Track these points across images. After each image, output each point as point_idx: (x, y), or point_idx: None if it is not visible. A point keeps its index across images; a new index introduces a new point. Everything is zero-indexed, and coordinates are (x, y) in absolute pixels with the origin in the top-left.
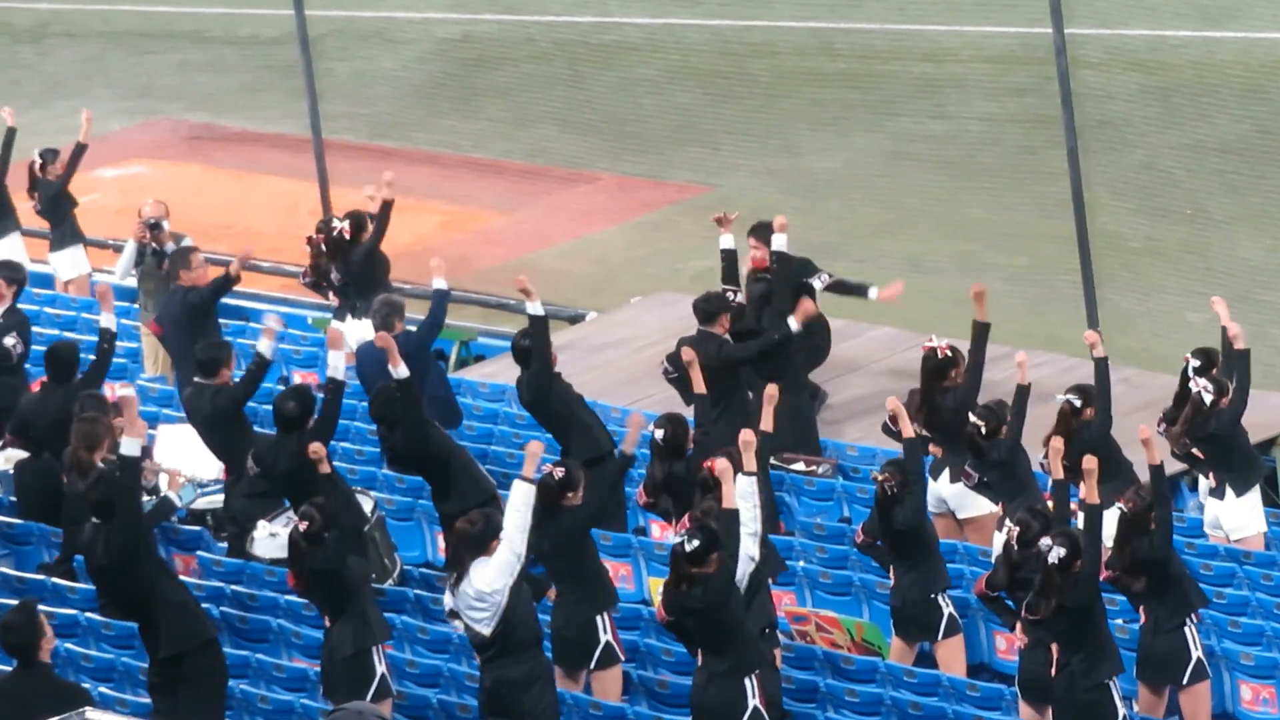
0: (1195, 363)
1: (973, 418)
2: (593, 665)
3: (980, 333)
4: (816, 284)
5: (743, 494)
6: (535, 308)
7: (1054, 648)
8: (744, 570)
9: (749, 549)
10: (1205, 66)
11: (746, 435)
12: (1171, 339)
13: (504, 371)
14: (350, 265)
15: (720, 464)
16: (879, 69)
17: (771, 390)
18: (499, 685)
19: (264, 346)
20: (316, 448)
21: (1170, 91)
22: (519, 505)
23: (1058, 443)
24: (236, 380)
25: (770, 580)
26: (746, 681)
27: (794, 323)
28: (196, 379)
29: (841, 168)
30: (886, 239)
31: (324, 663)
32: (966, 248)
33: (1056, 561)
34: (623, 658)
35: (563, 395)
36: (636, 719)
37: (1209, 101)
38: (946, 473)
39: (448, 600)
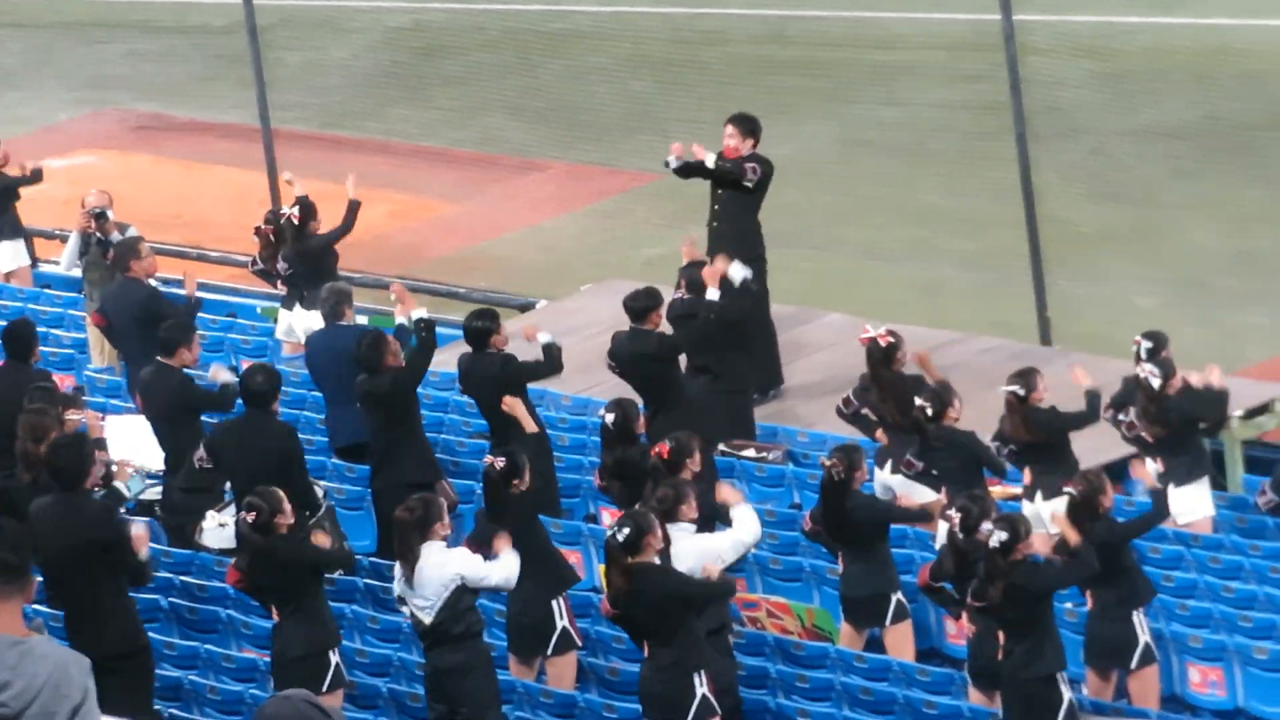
0: (1147, 345)
1: (919, 400)
2: (549, 651)
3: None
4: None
5: (746, 516)
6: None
7: (1001, 635)
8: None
9: (724, 551)
10: (1155, 52)
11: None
12: (1120, 324)
13: (455, 360)
14: (303, 255)
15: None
16: (831, 56)
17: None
18: (438, 673)
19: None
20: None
21: (1120, 77)
22: None
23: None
24: (208, 389)
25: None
26: (694, 673)
27: (712, 292)
28: (159, 358)
29: (794, 155)
30: (840, 226)
31: (275, 658)
32: (919, 234)
33: (998, 545)
34: (579, 644)
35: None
36: (587, 706)
37: (1158, 87)
38: (890, 462)
39: (396, 587)
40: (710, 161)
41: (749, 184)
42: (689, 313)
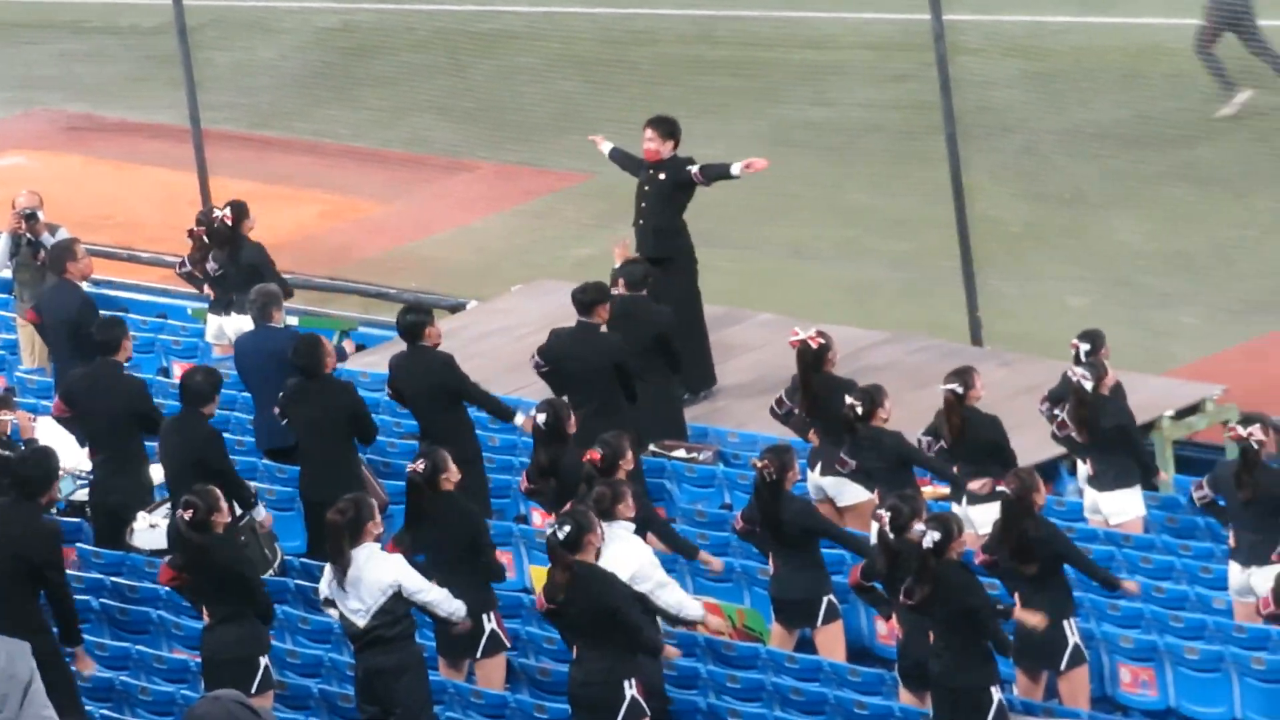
0: (1085, 346)
1: (849, 399)
2: (478, 654)
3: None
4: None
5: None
6: None
7: (931, 635)
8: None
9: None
10: (1084, 52)
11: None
12: (1051, 323)
13: (386, 361)
14: (236, 260)
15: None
16: (761, 56)
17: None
18: (370, 674)
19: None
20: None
21: (1049, 77)
22: None
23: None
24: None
25: None
26: (624, 679)
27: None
28: (101, 357)
29: (724, 155)
30: (768, 225)
31: (206, 660)
32: (848, 233)
33: (931, 546)
34: (508, 645)
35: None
36: (518, 706)
37: (1088, 87)
38: (821, 464)
39: (323, 589)
40: (735, 170)
41: (694, 181)
42: (625, 312)
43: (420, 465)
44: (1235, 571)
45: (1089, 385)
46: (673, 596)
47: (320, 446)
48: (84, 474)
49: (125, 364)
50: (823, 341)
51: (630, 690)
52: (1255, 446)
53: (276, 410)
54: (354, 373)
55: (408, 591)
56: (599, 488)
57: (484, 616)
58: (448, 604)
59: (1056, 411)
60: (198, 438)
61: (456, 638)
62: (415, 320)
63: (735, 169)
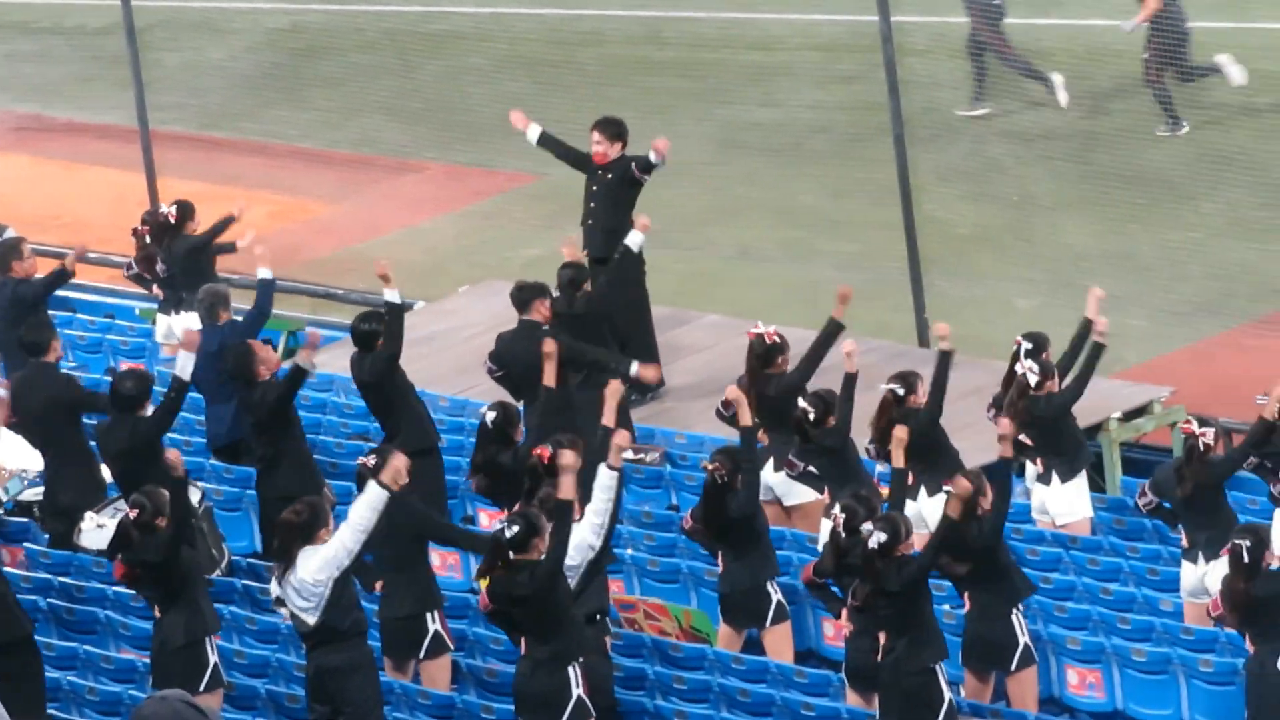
0: (1027, 345)
1: (802, 403)
2: (422, 655)
3: (831, 330)
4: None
5: (603, 485)
6: (393, 295)
7: (881, 635)
8: (581, 558)
9: (589, 538)
10: (1031, 53)
11: (620, 438)
12: (998, 325)
13: (333, 361)
14: (175, 256)
15: (566, 458)
16: (708, 57)
17: (615, 386)
18: (321, 673)
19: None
20: (175, 458)
21: (996, 78)
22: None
23: (901, 432)
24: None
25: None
26: (570, 671)
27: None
28: (32, 359)
29: (671, 157)
30: (716, 226)
31: (155, 654)
32: (796, 235)
33: (877, 547)
34: (452, 646)
35: (401, 382)
36: (465, 707)
37: (1035, 88)
38: (770, 461)
39: (274, 588)
40: (653, 157)
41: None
42: (568, 311)
43: (371, 460)
44: (1189, 571)
45: (1034, 379)
46: (602, 519)
47: (268, 446)
48: (32, 475)
49: (57, 364)
50: (777, 340)
51: (577, 689)
52: (1202, 447)
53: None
54: None
55: (339, 556)
56: (546, 489)
57: (428, 617)
58: (362, 508)
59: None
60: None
61: (400, 638)
62: (369, 330)
63: (653, 156)
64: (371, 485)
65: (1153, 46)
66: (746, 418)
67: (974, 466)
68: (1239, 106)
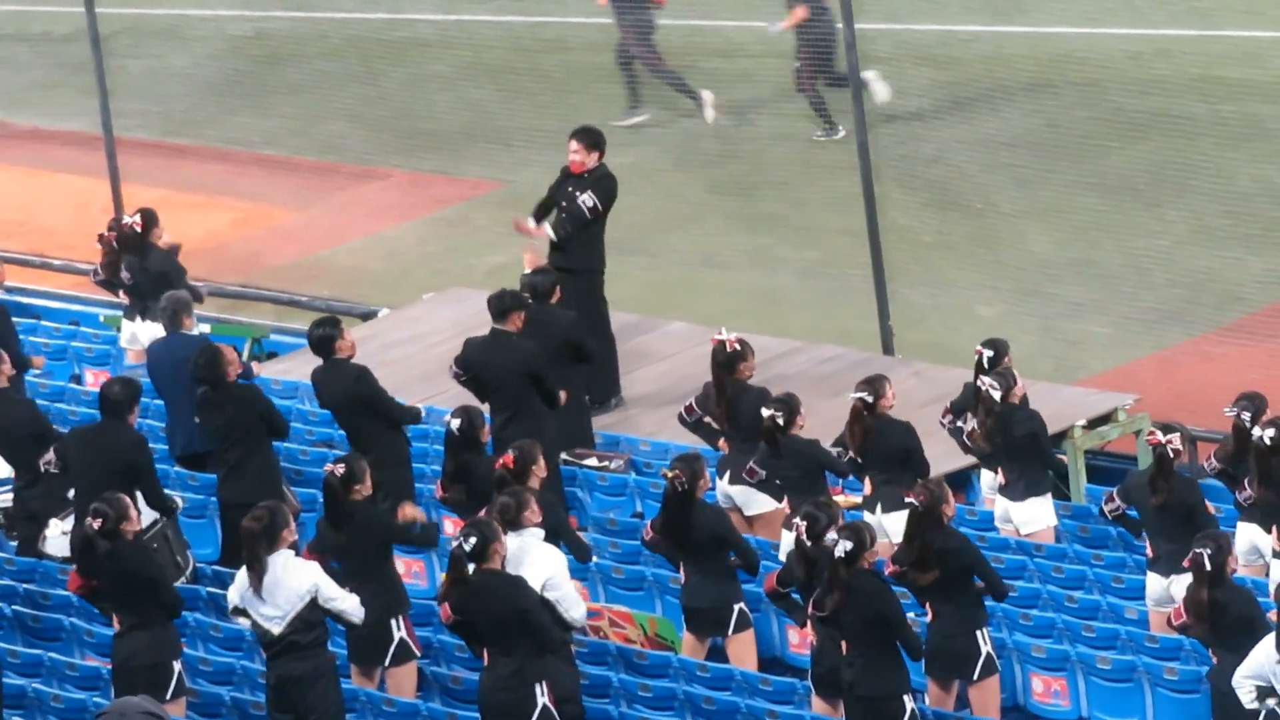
0: (988, 353)
1: (768, 410)
2: (387, 662)
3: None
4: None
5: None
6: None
7: (843, 645)
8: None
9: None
10: (994, 61)
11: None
12: (962, 332)
13: (297, 368)
14: (146, 267)
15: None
16: (671, 64)
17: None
18: (283, 681)
19: None
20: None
21: (960, 86)
22: None
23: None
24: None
25: None
26: (535, 682)
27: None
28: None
29: (634, 163)
30: (678, 234)
31: (116, 667)
32: (759, 242)
33: (843, 555)
34: (418, 653)
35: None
36: (430, 714)
37: (998, 96)
38: (728, 474)
39: (233, 598)
40: (552, 234)
41: (590, 217)
42: (533, 321)
43: (339, 469)
44: (1154, 582)
45: (997, 395)
46: (578, 612)
47: (234, 451)
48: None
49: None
50: (739, 347)
51: (542, 698)
52: (1171, 455)
53: (197, 419)
54: (265, 380)
55: (324, 598)
56: (503, 498)
57: (393, 623)
58: (358, 613)
59: (960, 423)
60: (124, 444)
61: (366, 645)
62: (325, 334)
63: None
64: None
65: (803, 55)
66: None
67: (936, 474)
68: (1205, 117)
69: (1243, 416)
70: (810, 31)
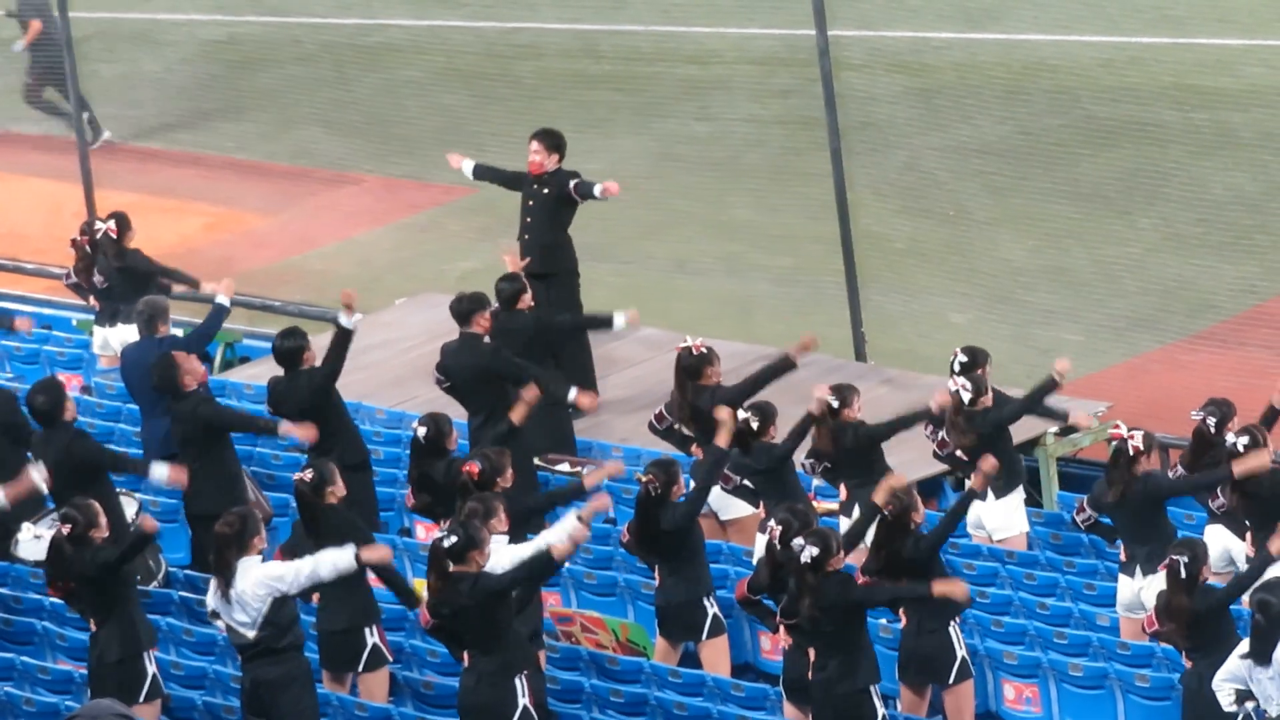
0: (962, 359)
1: (743, 413)
2: (360, 667)
3: (781, 366)
4: None
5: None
6: (348, 322)
7: (811, 652)
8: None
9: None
10: (967, 68)
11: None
12: (934, 339)
13: (269, 373)
14: (120, 274)
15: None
16: (643, 71)
17: (532, 390)
18: (257, 685)
19: None
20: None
21: (933, 93)
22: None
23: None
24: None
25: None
26: (516, 681)
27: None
28: None
29: (607, 170)
30: (652, 240)
31: (92, 666)
32: (732, 249)
33: (809, 561)
34: (390, 659)
35: (336, 399)
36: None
37: (971, 103)
38: None
39: (210, 601)
40: (596, 191)
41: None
42: (501, 329)
43: (308, 475)
44: (1125, 585)
45: (967, 396)
46: (527, 550)
47: (196, 461)
48: None
49: None
50: (704, 352)
51: (523, 699)
52: (1131, 450)
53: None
54: (238, 384)
55: (285, 584)
56: (471, 504)
57: (366, 630)
58: (328, 565)
59: (940, 432)
60: (72, 446)
61: (338, 651)
62: (293, 346)
63: (596, 190)
64: (346, 554)
65: (34, 70)
66: (725, 439)
67: (910, 480)
68: (1177, 124)
69: (1207, 422)
70: (40, 47)
